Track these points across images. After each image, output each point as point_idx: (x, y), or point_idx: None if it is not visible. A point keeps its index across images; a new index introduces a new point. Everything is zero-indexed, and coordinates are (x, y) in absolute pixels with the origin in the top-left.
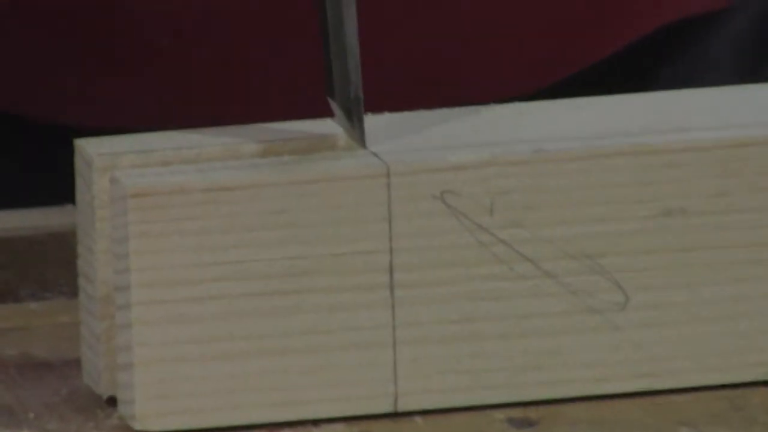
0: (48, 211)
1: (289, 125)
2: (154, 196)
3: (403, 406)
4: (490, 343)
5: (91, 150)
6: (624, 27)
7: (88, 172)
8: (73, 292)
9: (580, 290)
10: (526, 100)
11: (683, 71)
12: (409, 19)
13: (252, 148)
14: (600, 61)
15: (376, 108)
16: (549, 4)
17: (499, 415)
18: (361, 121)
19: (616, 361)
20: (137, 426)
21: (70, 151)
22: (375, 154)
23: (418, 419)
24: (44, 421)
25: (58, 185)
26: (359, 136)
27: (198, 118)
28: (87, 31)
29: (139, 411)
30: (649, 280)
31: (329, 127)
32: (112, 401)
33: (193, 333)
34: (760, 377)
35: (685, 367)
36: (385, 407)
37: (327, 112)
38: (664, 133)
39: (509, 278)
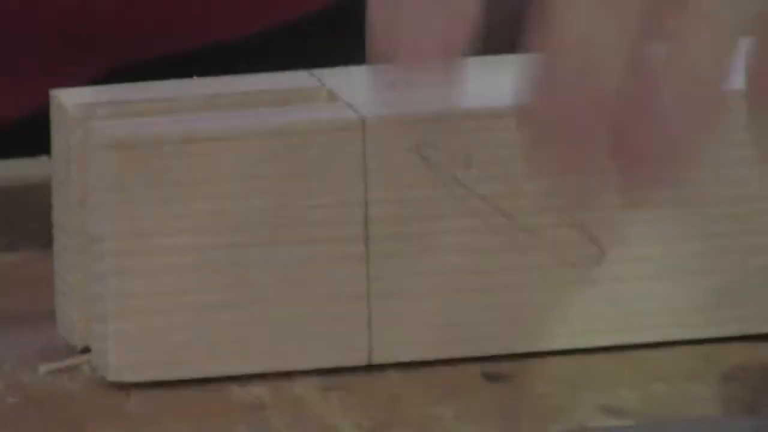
0: (22, 162)
1: (266, 77)
2: (130, 147)
3: (378, 358)
4: (464, 296)
5: (66, 101)
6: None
7: (63, 122)
8: (47, 243)
9: (556, 244)
10: None
11: None
12: None
13: (228, 100)
14: None
15: None
16: None
17: (474, 369)
18: None
19: (591, 316)
20: (111, 377)
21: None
22: (351, 106)
23: (393, 372)
24: (19, 372)
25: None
26: None
27: None
28: None
29: (113, 362)
30: (625, 235)
31: (306, 79)
32: (86, 352)
33: (168, 284)
34: (736, 332)
35: (660, 321)
36: (360, 360)
37: None
38: None
39: (484, 232)
